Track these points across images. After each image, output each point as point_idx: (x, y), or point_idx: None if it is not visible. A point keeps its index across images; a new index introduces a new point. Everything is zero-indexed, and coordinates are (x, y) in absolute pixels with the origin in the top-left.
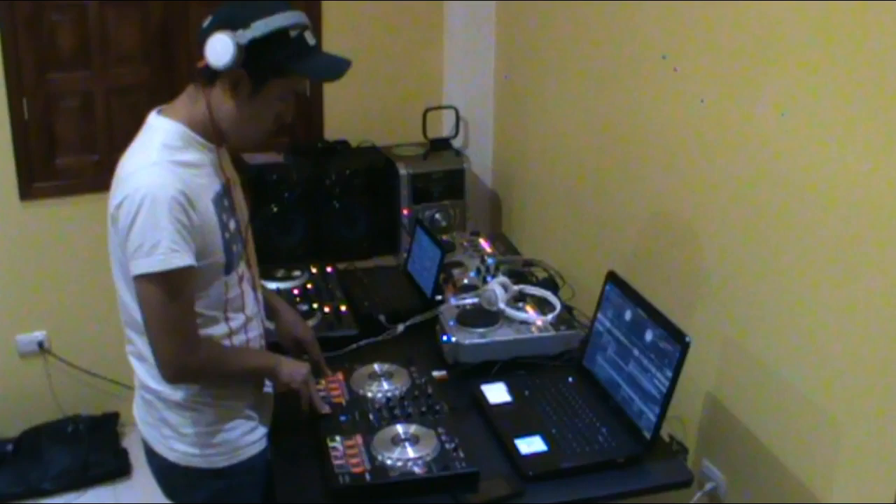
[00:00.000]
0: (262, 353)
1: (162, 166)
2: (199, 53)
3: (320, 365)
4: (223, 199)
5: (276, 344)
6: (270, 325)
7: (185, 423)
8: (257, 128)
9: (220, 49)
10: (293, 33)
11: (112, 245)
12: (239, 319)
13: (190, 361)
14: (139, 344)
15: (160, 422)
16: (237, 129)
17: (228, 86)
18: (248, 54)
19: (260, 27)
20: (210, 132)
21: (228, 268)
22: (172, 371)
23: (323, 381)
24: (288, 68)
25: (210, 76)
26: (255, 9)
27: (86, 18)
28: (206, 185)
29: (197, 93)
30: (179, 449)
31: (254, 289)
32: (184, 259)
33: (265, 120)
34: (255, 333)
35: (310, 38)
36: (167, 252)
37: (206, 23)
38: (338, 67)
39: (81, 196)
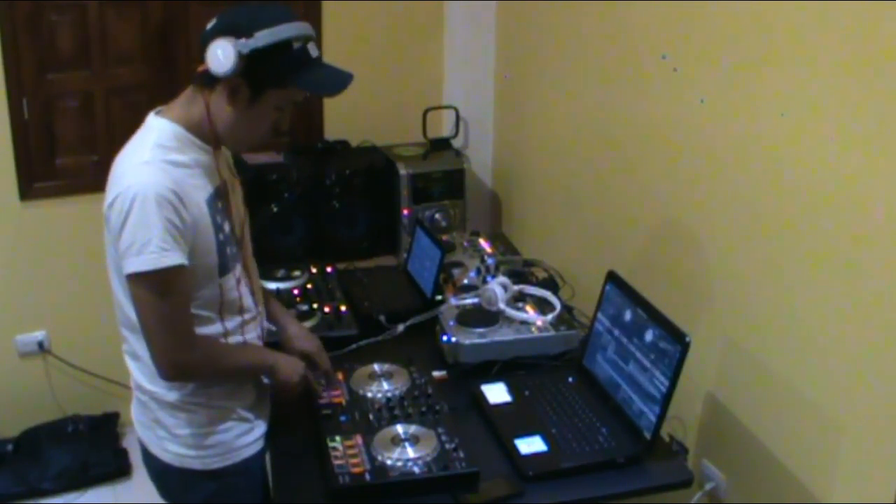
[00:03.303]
0: (260, 350)
1: (153, 165)
2: (201, 56)
3: (328, 376)
4: (218, 201)
5: (275, 344)
6: (272, 326)
7: (179, 424)
8: (252, 134)
9: (221, 56)
10: (296, 45)
11: (106, 244)
12: (235, 321)
13: (185, 358)
14: (134, 343)
15: (154, 423)
16: (232, 133)
17: (227, 92)
18: (249, 64)
19: (263, 37)
20: (206, 134)
21: (223, 270)
22: (168, 368)
23: (323, 381)
24: (288, 80)
25: (209, 81)
26: (259, 17)
27: (86, 18)
28: (200, 186)
29: (195, 95)
30: (174, 450)
31: (252, 291)
32: (174, 258)
33: (260, 127)
34: (252, 335)
35: (312, 50)
36: (157, 251)
37: (209, 25)
38: (339, 82)
39: (81, 196)
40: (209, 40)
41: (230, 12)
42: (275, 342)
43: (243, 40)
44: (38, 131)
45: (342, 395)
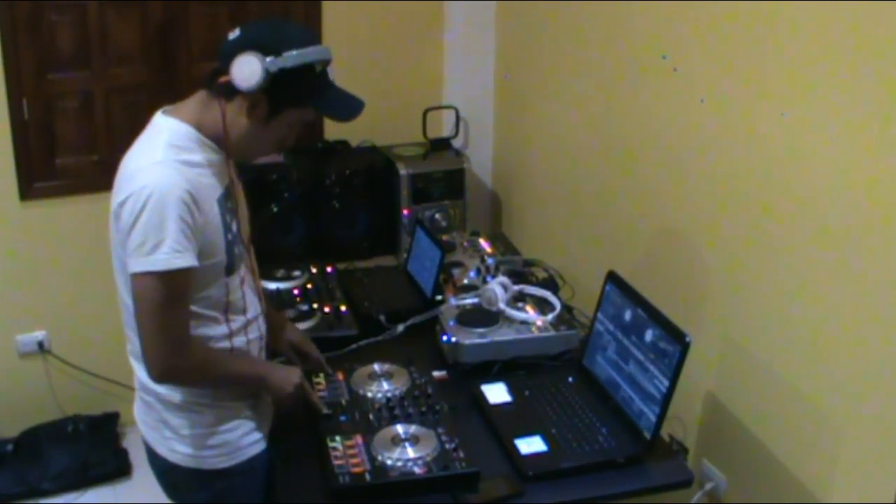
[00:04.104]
0: (253, 361)
1: (168, 165)
2: (223, 66)
3: (321, 364)
4: (227, 201)
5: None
6: None
7: (185, 424)
8: (262, 147)
9: (247, 72)
10: (318, 68)
11: (113, 243)
12: (239, 321)
13: (178, 363)
14: (138, 344)
15: (161, 423)
16: (242, 144)
17: (246, 106)
18: (274, 82)
19: (291, 58)
20: (219, 139)
21: (230, 269)
22: (159, 371)
23: (323, 381)
24: (307, 102)
25: (229, 92)
26: (288, 36)
27: (86, 18)
28: (211, 186)
29: (210, 101)
30: (180, 450)
31: (255, 291)
32: (186, 260)
33: (270, 142)
34: (255, 335)
35: (330, 74)
36: (170, 252)
37: (233, 35)
38: (354, 108)
39: (81, 196)
40: (234, 53)
41: (255, 27)
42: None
43: (271, 58)
44: (38, 131)
45: (342, 396)
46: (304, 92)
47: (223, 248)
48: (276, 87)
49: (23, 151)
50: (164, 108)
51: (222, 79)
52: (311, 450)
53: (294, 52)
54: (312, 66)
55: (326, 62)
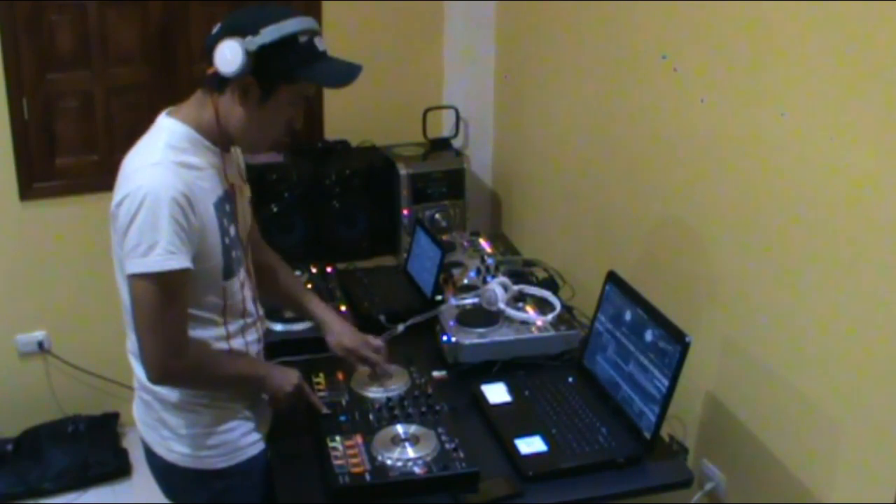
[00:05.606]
0: (252, 361)
1: (164, 166)
2: (208, 61)
3: (380, 367)
4: (225, 205)
5: (276, 343)
6: (277, 327)
7: (184, 424)
8: (267, 133)
9: (229, 56)
10: (302, 39)
11: (113, 244)
12: (237, 324)
13: (176, 364)
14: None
15: (159, 423)
16: (247, 134)
17: (238, 92)
18: (258, 61)
19: (269, 33)
20: (216, 137)
21: (227, 273)
22: (157, 372)
23: (323, 381)
24: (297, 74)
25: (219, 83)
26: (263, 15)
27: (86, 18)
28: (209, 189)
29: (205, 98)
30: (178, 450)
31: (254, 296)
32: (180, 261)
33: (275, 125)
34: (252, 337)
35: (319, 44)
36: (164, 253)
37: (214, 30)
38: (347, 74)
39: (81, 196)
40: (215, 43)
41: (233, 15)
42: (277, 342)
43: (249, 38)
44: (38, 131)
45: (342, 396)
46: (291, 65)
47: (219, 252)
48: (263, 66)
49: (23, 151)
50: (168, 110)
51: (209, 71)
52: (311, 450)
53: (272, 27)
54: (295, 38)
55: (310, 32)
